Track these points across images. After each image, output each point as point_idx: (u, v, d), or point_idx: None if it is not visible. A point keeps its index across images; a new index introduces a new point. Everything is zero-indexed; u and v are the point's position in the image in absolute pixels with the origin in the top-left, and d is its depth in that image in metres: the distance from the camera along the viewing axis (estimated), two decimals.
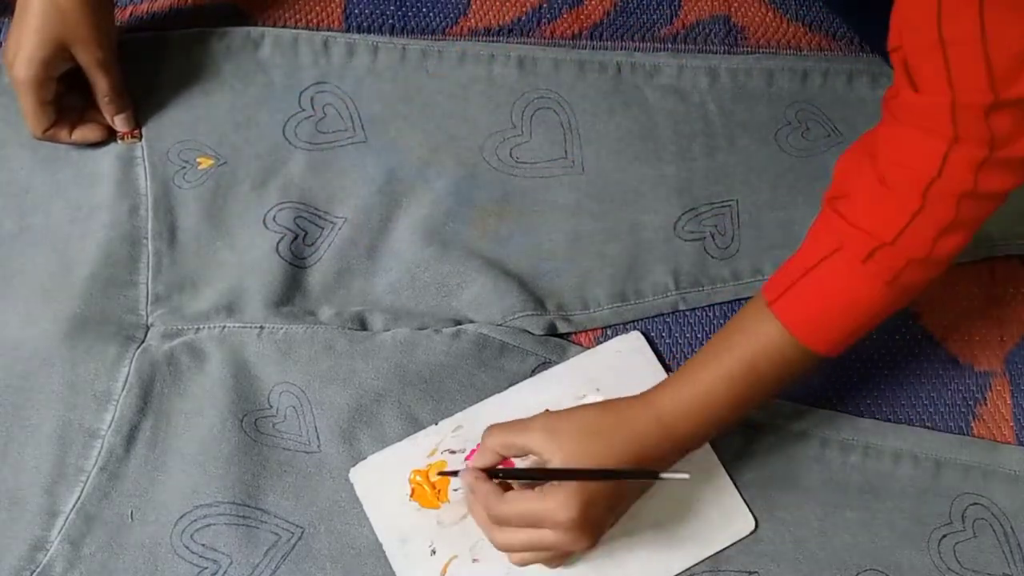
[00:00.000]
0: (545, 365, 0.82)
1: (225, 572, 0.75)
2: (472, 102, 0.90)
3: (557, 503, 0.67)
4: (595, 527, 0.69)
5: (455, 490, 0.78)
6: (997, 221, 0.87)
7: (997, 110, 0.59)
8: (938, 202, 0.63)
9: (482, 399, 0.80)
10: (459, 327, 0.82)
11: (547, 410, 0.75)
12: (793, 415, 0.81)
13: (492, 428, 0.72)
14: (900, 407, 0.83)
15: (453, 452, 0.79)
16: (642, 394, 0.71)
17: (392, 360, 0.81)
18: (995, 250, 0.87)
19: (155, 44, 0.89)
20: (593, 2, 0.95)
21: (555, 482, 0.68)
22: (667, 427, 0.70)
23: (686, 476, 0.67)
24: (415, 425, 0.79)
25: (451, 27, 0.94)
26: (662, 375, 0.82)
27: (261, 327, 0.82)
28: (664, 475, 0.68)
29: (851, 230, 0.66)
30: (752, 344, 0.69)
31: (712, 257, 0.86)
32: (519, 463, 0.76)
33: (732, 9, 0.95)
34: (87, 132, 0.85)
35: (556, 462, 0.69)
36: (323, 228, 0.85)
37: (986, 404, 0.83)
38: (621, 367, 0.82)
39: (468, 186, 0.87)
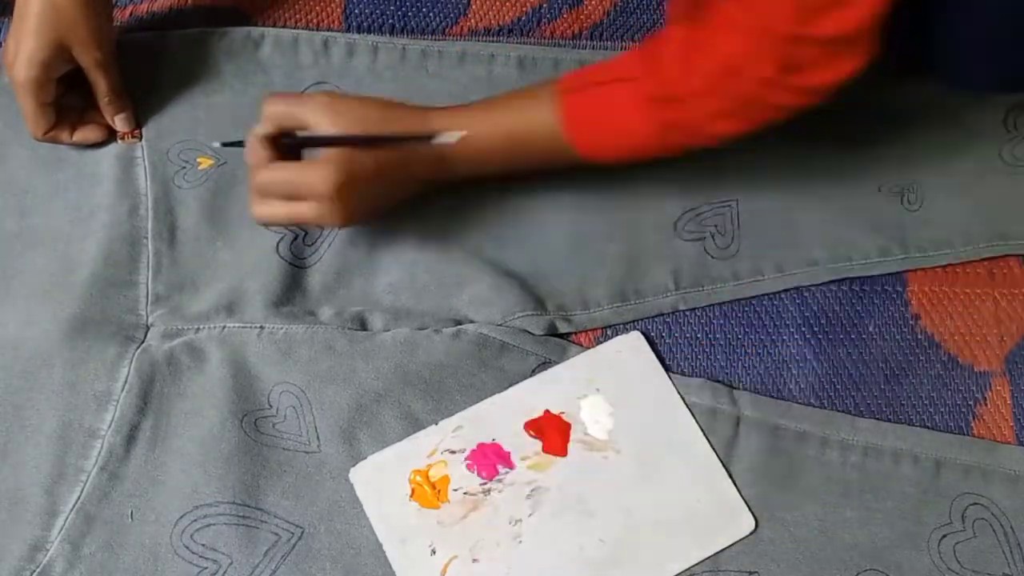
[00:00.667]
0: (545, 365, 0.82)
1: (225, 572, 0.75)
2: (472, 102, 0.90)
3: (318, 174, 0.73)
4: (352, 204, 0.74)
5: (455, 490, 0.78)
6: (997, 221, 0.88)
7: (795, 42, 0.64)
8: (722, 93, 0.69)
9: (482, 399, 0.80)
10: (459, 327, 0.82)
11: (330, 92, 0.80)
12: (793, 415, 0.81)
13: (272, 97, 0.76)
14: (900, 407, 0.83)
15: (453, 452, 0.79)
16: (425, 108, 0.77)
17: (392, 360, 0.81)
18: (995, 250, 0.87)
19: (155, 44, 0.90)
20: (593, 2, 0.95)
21: (319, 158, 0.74)
22: (441, 155, 0.76)
23: (460, 133, 0.70)
24: (415, 425, 0.79)
25: (451, 27, 0.94)
26: (662, 375, 0.82)
27: (261, 327, 0.82)
28: (436, 139, 0.71)
29: (647, 70, 0.71)
30: (531, 115, 0.76)
31: (712, 257, 0.86)
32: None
33: None
34: (88, 133, 0.85)
35: (329, 154, 0.74)
36: (323, 228, 0.85)
37: (986, 404, 0.83)
38: (621, 367, 0.82)
39: (468, 186, 0.87)
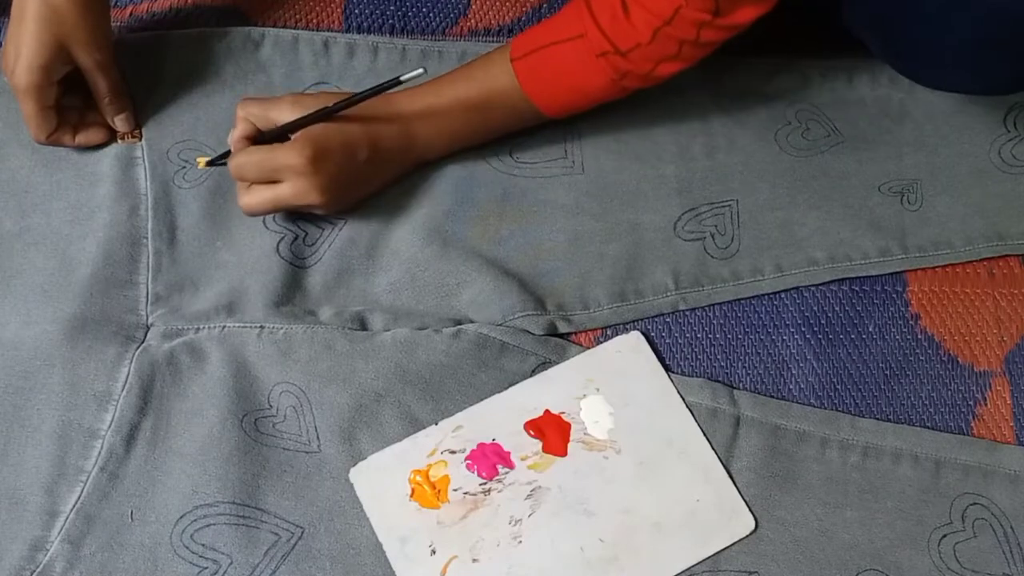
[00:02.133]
0: (545, 365, 0.82)
1: (225, 572, 0.75)
2: None
3: (289, 149, 0.77)
4: (327, 177, 0.78)
5: (455, 490, 0.78)
6: (997, 221, 0.88)
7: None
8: (664, 41, 0.76)
9: (482, 399, 0.80)
10: (459, 327, 0.82)
11: (297, 93, 0.84)
12: (793, 415, 0.81)
13: (244, 100, 0.81)
14: (900, 407, 0.83)
15: (453, 452, 0.79)
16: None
17: (392, 360, 0.81)
18: (995, 250, 0.87)
19: (155, 44, 0.90)
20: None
21: (291, 137, 0.78)
22: (405, 122, 0.81)
23: (421, 70, 0.74)
24: (415, 425, 0.79)
25: (451, 27, 0.94)
26: (662, 375, 0.82)
27: (261, 327, 0.82)
28: (403, 76, 0.74)
29: (594, 27, 0.77)
30: (490, 84, 0.81)
31: (712, 257, 0.86)
32: None
33: None
34: (90, 135, 0.85)
35: (298, 134, 0.78)
36: (323, 228, 0.85)
37: (986, 404, 0.83)
38: (621, 367, 0.82)
39: (468, 186, 0.87)
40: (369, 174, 0.83)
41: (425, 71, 0.75)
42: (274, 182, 0.79)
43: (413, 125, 0.82)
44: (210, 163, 0.84)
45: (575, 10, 0.79)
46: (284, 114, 0.79)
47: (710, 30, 0.75)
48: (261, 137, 0.80)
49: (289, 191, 0.79)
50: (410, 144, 0.83)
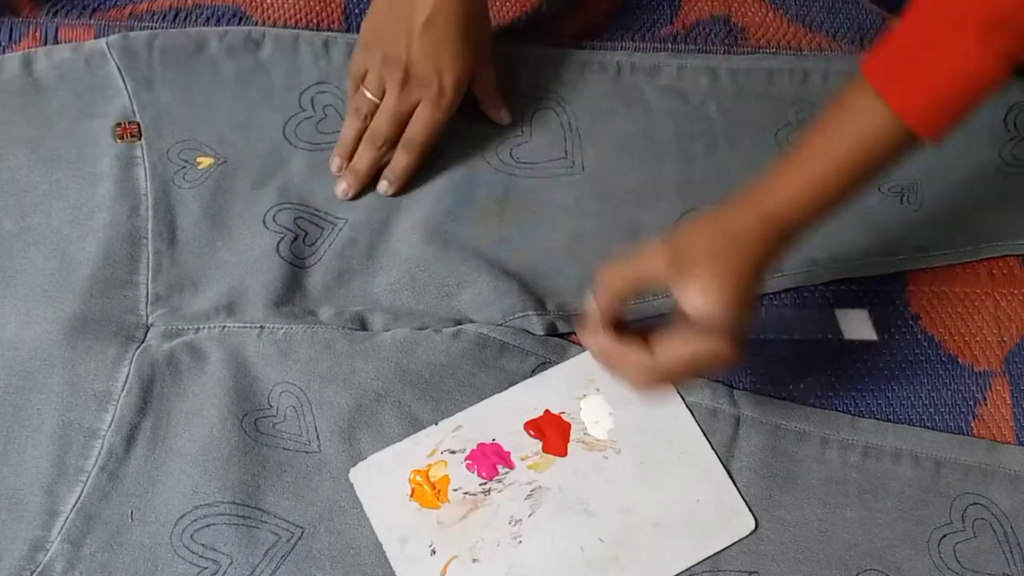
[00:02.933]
0: (545, 365, 0.82)
1: (225, 572, 0.75)
2: (472, 102, 0.90)
3: (719, 345, 0.67)
4: (743, 344, 0.68)
5: (455, 490, 0.78)
6: (997, 221, 0.88)
7: None
8: None
9: (482, 399, 0.80)
10: (459, 327, 0.82)
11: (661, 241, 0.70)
12: (793, 415, 0.81)
13: (603, 271, 0.70)
14: (900, 407, 0.83)
15: (453, 452, 0.79)
16: (751, 198, 0.69)
17: (392, 360, 0.81)
18: (995, 250, 0.87)
19: (155, 44, 0.90)
20: (593, 2, 0.95)
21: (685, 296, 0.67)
22: (782, 231, 0.68)
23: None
24: (415, 425, 0.79)
25: None
26: None
27: (261, 327, 0.82)
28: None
29: (966, 3, 0.61)
30: (861, 131, 0.66)
31: None
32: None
33: (732, 9, 0.95)
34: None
35: (683, 286, 0.67)
36: (323, 228, 0.85)
37: (986, 404, 0.83)
38: None
39: (468, 186, 0.87)
40: (756, 275, 0.69)
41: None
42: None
43: (789, 228, 0.68)
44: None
45: (924, 6, 0.64)
46: (659, 269, 0.68)
47: None
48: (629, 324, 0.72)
49: (712, 368, 0.70)
50: (786, 249, 0.70)
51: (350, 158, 0.86)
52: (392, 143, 0.85)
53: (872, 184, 0.70)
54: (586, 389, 0.81)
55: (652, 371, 0.70)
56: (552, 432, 0.80)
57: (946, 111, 0.64)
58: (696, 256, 0.67)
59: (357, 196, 0.86)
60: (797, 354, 0.84)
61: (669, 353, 0.70)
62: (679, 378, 0.72)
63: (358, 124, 0.85)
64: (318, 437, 0.79)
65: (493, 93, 0.88)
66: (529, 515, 0.77)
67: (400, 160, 0.85)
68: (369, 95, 0.84)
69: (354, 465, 0.78)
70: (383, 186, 0.86)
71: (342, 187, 0.86)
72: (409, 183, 0.86)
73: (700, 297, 0.66)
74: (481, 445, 0.79)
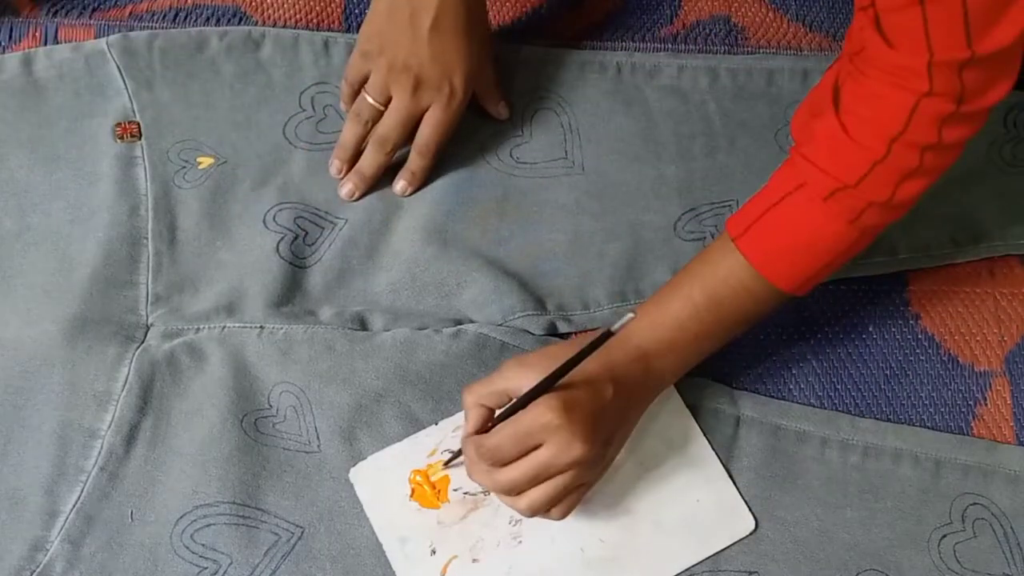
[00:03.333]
0: None
1: (225, 572, 0.75)
2: (473, 103, 0.90)
3: (538, 408, 0.68)
4: (584, 425, 0.68)
5: (455, 490, 0.78)
6: (997, 221, 0.88)
7: (971, 66, 0.61)
8: (902, 152, 0.65)
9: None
10: (459, 327, 0.82)
11: (514, 357, 0.73)
12: (793, 415, 0.81)
13: (465, 389, 0.72)
14: (900, 407, 0.83)
15: (453, 452, 0.78)
16: (626, 334, 0.71)
17: (392, 360, 0.81)
18: (995, 250, 0.87)
19: (155, 44, 0.89)
20: (593, 2, 0.95)
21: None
22: (637, 348, 0.72)
23: (630, 315, 0.65)
24: (415, 425, 0.79)
25: None
26: None
27: (261, 327, 0.82)
28: (614, 327, 0.65)
29: (814, 170, 0.68)
30: (715, 274, 0.72)
31: None
32: None
33: (732, 9, 0.95)
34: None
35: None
36: (324, 228, 0.85)
37: (986, 404, 0.83)
38: None
39: (468, 186, 0.87)
40: (620, 412, 0.73)
41: (635, 314, 0.66)
42: (531, 451, 0.69)
43: (645, 347, 0.73)
44: (448, 463, 0.77)
45: (790, 166, 0.71)
46: (516, 380, 0.70)
47: (953, 125, 0.64)
48: (497, 419, 0.71)
49: (549, 452, 0.68)
50: (647, 368, 0.73)
51: (351, 161, 0.86)
52: (400, 147, 0.85)
53: (737, 330, 0.75)
54: None
55: (486, 444, 0.69)
56: None
57: (796, 263, 0.71)
58: (542, 364, 0.69)
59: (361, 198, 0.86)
60: (797, 354, 0.84)
61: (500, 425, 0.70)
62: (508, 452, 0.69)
63: (359, 128, 0.85)
64: (318, 437, 0.79)
65: (493, 90, 0.88)
66: None
67: (417, 163, 0.86)
68: (372, 100, 0.84)
69: (354, 465, 0.78)
70: (401, 187, 0.86)
71: (347, 188, 0.86)
72: (421, 184, 0.87)
73: (574, 447, 0.68)
74: None
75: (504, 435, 0.69)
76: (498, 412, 0.71)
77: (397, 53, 0.81)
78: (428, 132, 0.84)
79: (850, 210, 0.68)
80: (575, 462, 0.68)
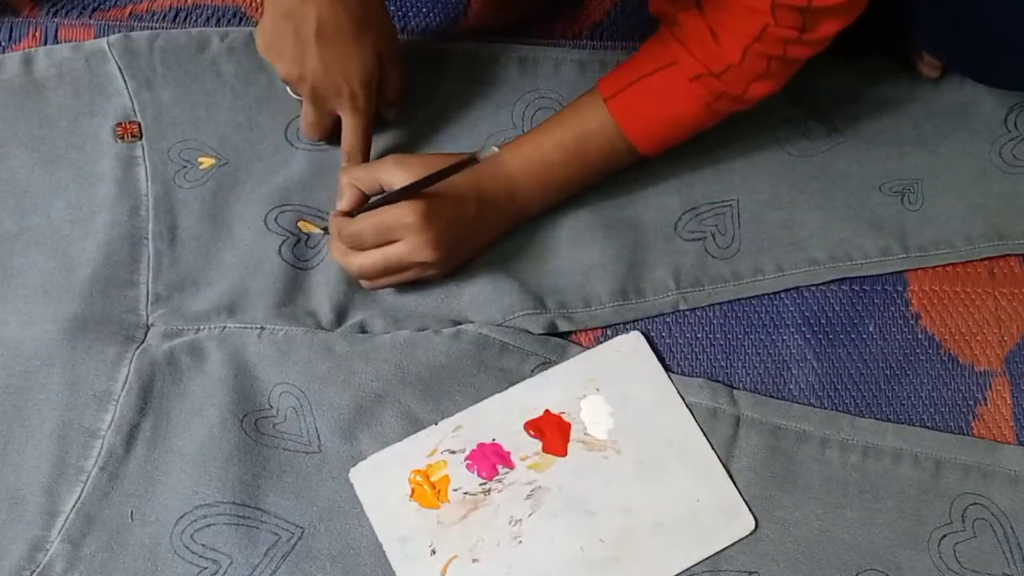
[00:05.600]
0: (545, 365, 0.82)
1: (225, 572, 0.75)
2: (473, 103, 0.90)
3: (403, 207, 0.76)
4: (441, 232, 0.78)
5: (455, 490, 0.78)
6: (997, 220, 0.88)
7: (809, 13, 0.72)
8: (754, 59, 0.76)
9: (482, 399, 0.80)
10: (459, 327, 0.82)
11: (396, 154, 0.83)
12: (793, 415, 0.81)
13: (344, 170, 0.81)
14: (900, 407, 0.83)
15: (453, 452, 0.79)
16: (497, 159, 0.78)
17: (392, 361, 0.81)
18: (995, 250, 0.87)
19: (155, 44, 0.90)
20: (593, 2, 0.95)
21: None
22: (507, 177, 0.81)
23: (495, 147, 0.71)
24: (415, 425, 0.79)
25: (451, 27, 0.94)
26: (662, 375, 0.82)
27: (262, 328, 0.82)
28: (481, 154, 0.72)
29: (684, 53, 0.77)
30: (586, 127, 0.81)
31: (713, 257, 0.86)
32: None
33: None
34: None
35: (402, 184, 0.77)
36: (325, 230, 0.85)
37: (986, 404, 0.83)
38: (621, 367, 0.82)
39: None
40: (477, 230, 0.82)
41: (498, 149, 0.72)
42: (387, 244, 0.78)
43: (515, 178, 0.81)
44: (326, 230, 0.84)
45: (661, 42, 0.79)
46: (391, 175, 0.79)
47: (797, 46, 0.75)
48: (369, 204, 0.80)
49: (403, 248, 0.78)
50: (513, 197, 0.82)
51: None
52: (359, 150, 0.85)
53: (596, 178, 0.84)
54: (586, 389, 0.81)
55: (348, 229, 0.78)
56: (552, 432, 0.80)
57: (656, 130, 0.81)
58: (420, 165, 0.78)
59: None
60: (797, 354, 0.84)
61: (367, 214, 0.78)
62: (368, 240, 0.78)
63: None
64: (318, 437, 0.79)
65: (395, 91, 0.86)
66: (529, 515, 0.77)
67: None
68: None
69: (354, 465, 0.78)
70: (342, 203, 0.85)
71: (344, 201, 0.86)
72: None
73: (426, 250, 0.78)
74: (481, 445, 0.79)
75: (366, 224, 0.78)
76: (371, 200, 0.80)
77: (286, 65, 0.80)
78: (349, 139, 0.83)
79: (710, 93, 0.78)
80: (422, 263, 0.79)
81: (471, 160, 0.73)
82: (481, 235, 0.83)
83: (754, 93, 0.79)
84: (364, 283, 0.82)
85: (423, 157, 0.81)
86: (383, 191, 0.80)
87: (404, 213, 0.77)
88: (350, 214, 0.80)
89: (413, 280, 0.82)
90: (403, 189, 0.77)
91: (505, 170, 0.81)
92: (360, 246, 0.78)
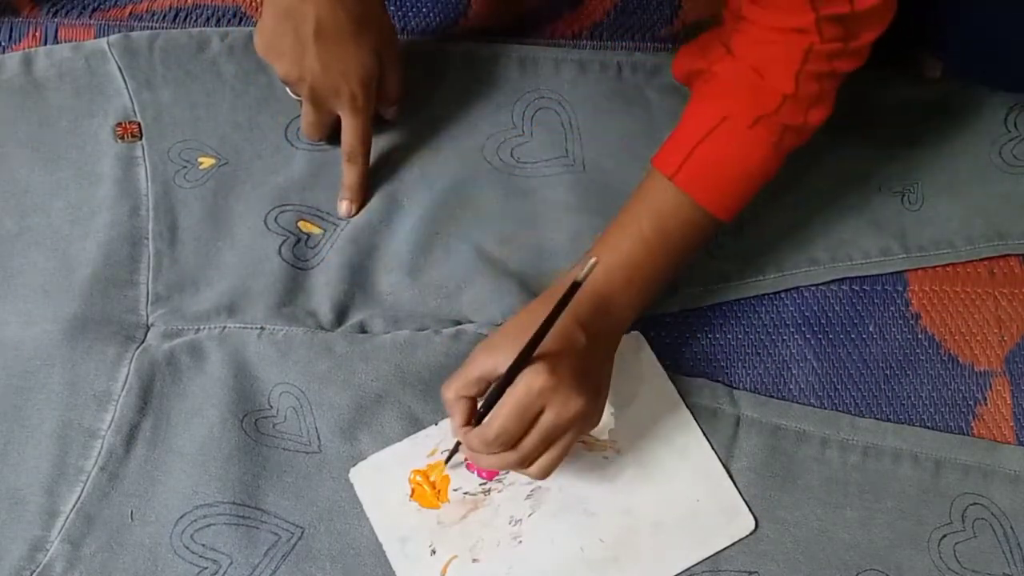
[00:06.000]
0: None
1: (225, 572, 0.75)
2: (473, 102, 0.90)
3: (527, 378, 0.68)
4: (577, 382, 0.69)
5: (455, 490, 0.78)
6: (997, 221, 0.88)
7: (852, 19, 0.70)
8: (807, 82, 0.73)
9: (482, 399, 0.80)
10: (459, 327, 0.82)
11: (482, 345, 0.73)
12: (793, 415, 0.81)
13: (444, 386, 0.72)
14: (900, 407, 0.83)
15: (450, 450, 0.78)
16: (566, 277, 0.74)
17: (392, 361, 0.81)
18: (995, 250, 0.87)
19: (155, 44, 0.89)
20: (593, 2, 0.95)
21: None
22: (598, 295, 0.74)
23: (593, 260, 0.66)
24: (415, 425, 0.79)
25: (451, 27, 0.94)
26: (662, 375, 0.82)
27: (262, 328, 0.82)
28: (579, 276, 0.66)
29: (734, 103, 0.74)
30: (663, 214, 0.76)
31: (713, 257, 0.86)
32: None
33: None
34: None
35: (508, 364, 0.69)
36: (325, 230, 0.85)
37: (986, 404, 0.83)
38: (621, 367, 0.82)
39: (469, 186, 0.87)
40: (595, 359, 0.73)
41: (597, 260, 0.66)
42: (533, 424, 0.70)
43: (603, 290, 0.74)
44: (448, 461, 0.78)
45: (704, 101, 0.76)
46: (489, 365, 0.70)
47: (843, 59, 0.73)
48: (483, 405, 0.71)
49: (552, 415, 0.69)
50: (608, 310, 0.74)
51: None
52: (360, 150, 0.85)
53: (683, 260, 0.78)
54: None
55: (491, 433, 0.69)
56: None
57: (730, 191, 0.76)
58: (508, 336, 0.71)
59: (358, 210, 0.86)
60: (797, 354, 0.84)
61: (496, 409, 0.69)
62: (513, 430, 0.69)
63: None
64: (318, 437, 0.79)
65: (393, 91, 0.85)
66: (529, 515, 0.77)
67: (350, 174, 0.85)
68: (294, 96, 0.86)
69: (354, 465, 0.78)
70: (344, 207, 0.85)
71: (343, 206, 0.86)
72: (366, 195, 0.86)
73: (573, 401, 0.69)
74: None
75: (505, 415, 0.69)
76: (481, 401, 0.71)
77: (290, 66, 0.79)
78: (349, 139, 0.83)
79: (773, 135, 0.74)
80: (577, 415, 0.70)
81: (574, 288, 0.67)
82: (601, 364, 0.75)
83: (813, 120, 0.75)
84: (533, 472, 0.72)
85: (505, 330, 0.73)
86: (488, 386, 0.71)
87: (531, 380, 0.68)
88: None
89: (578, 440, 0.73)
90: (513, 366, 0.69)
91: (592, 287, 0.72)
92: (511, 441, 0.69)
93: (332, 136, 0.86)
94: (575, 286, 0.66)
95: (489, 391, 0.71)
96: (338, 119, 0.83)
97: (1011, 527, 0.79)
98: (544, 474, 0.71)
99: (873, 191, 0.89)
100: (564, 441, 0.70)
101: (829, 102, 0.75)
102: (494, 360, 0.70)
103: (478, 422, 0.70)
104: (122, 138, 0.87)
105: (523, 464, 0.71)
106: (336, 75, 0.79)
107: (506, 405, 0.69)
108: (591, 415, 0.72)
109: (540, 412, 0.69)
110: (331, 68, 0.79)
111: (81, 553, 0.75)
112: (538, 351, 0.69)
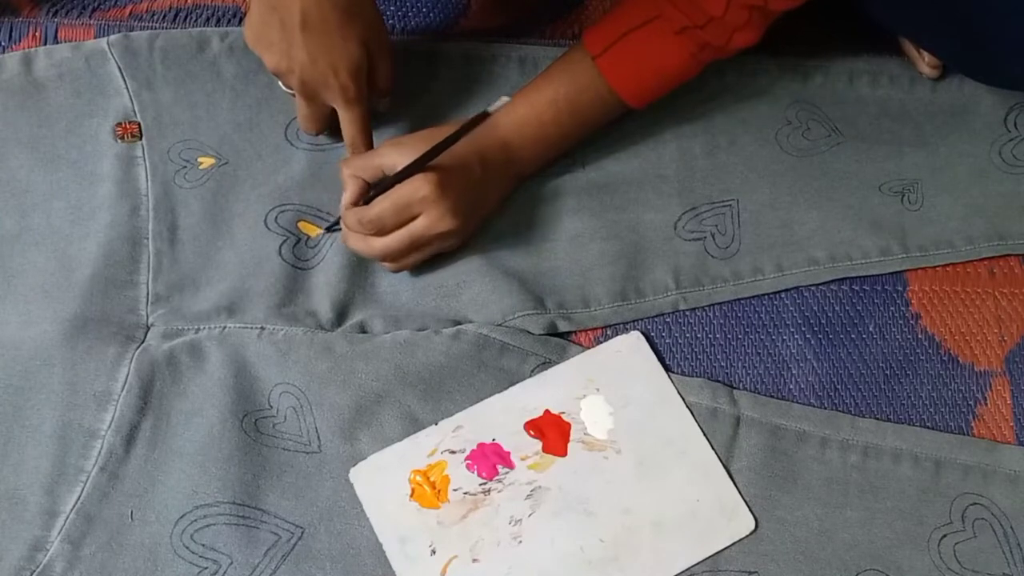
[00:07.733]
0: (545, 365, 0.82)
1: (225, 572, 0.75)
2: (472, 103, 0.90)
3: (417, 181, 0.77)
4: (457, 199, 0.79)
5: (455, 490, 0.78)
6: (997, 221, 0.88)
7: None
8: (736, 11, 0.78)
9: (482, 399, 0.80)
10: (458, 327, 0.82)
11: (390, 138, 0.83)
12: (793, 415, 0.81)
13: (343, 162, 0.82)
14: (900, 407, 0.83)
15: (453, 452, 0.79)
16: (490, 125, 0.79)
17: (392, 361, 0.81)
18: (995, 250, 0.87)
19: (155, 44, 0.90)
20: (593, 2, 0.95)
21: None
22: (503, 139, 0.82)
23: (505, 98, 0.72)
24: (415, 425, 0.80)
25: (451, 27, 0.94)
26: (662, 375, 0.82)
27: (262, 328, 0.82)
28: (489, 108, 0.72)
29: (669, 6, 0.79)
30: (578, 87, 0.82)
31: (712, 257, 0.86)
32: None
33: None
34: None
35: (405, 164, 0.78)
36: (443, 244, 0.84)
37: (986, 404, 0.83)
38: (621, 367, 0.82)
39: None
40: (484, 192, 0.83)
41: (510, 98, 0.73)
42: (407, 222, 0.79)
43: (510, 138, 0.83)
44: (329, 229, 0.85)
45: None
46: (391, 158, 0.79)
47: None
48: (374, 190, 0.80)
49: (425, 222, 0.79)
50: (509, 157, 0.83)
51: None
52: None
53: (587, 131, 0.85)
54: (586, 389, 0.81)
55: (367, 215, 0.78)
56: (552, 432, 0.80)
57: (644, 84, 0.83)
58: (416, 141, 0.79)
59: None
60: (797, 354, 0.84)
61: (381, 197, 0.78)
62: (388, 222, 0.78)
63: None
64: (318, 437, 0.79)
65: (387, 86, 0.85)
66: (529, 515, 0.77)
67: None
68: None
69: (354, 465, 0.78)
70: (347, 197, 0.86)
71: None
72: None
73: (447, 219, 0.79)
74: (481, 445, 0.79)
75: (385, 206, 0.78)
76: (373, 187, 0.80)
77: (278, 58, 0.79)
78: (349, 131, 0.83)
79: (695, 45, 0.80)
80: (446, 233, 0.80)
81: (481, 116, 0.73)
82: (487, 199, 0.84)
83: (736, 43, 0.81)
84: (388, 266, 0.83)
85: (416, 135, 0.81)
86: (385, 176, 0.80)
87: (419, 187, 0.77)
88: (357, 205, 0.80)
89: (433, 254, 0.83)
90: (408, 166, 0.77)
91: (499, 132, 0.82)
92: (382, 230, 0.79)
93: (333, 131, 0.86)
94: (483, 115, 0.72)
95: (382, 181, 0.79)
96: (335, 113, 0.83)
97: (1011, 527, 0.78)
98: (396, 268, 0.83)
99: (873, 191, 0.89)
100: (425, 250, 0.81)
101: (756, 31, 0.80)
102: (396, 156, 0.79)
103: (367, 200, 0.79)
104: (122, 138, 0.87)
105: (383, 255, 0.81)
106: (324, 67, 0.79)
107: (389, 198, 0.78)
108: (455, 238, 0.82)
109: (415, 216, 0.78)
110: (319, 59, 0.78)
111: (81, 553, 0.75)
112: (436, 164, 0.77)
